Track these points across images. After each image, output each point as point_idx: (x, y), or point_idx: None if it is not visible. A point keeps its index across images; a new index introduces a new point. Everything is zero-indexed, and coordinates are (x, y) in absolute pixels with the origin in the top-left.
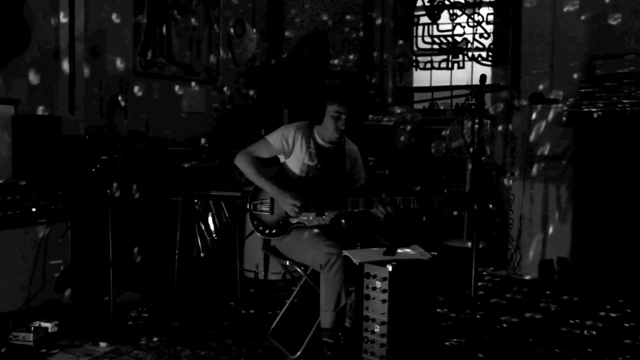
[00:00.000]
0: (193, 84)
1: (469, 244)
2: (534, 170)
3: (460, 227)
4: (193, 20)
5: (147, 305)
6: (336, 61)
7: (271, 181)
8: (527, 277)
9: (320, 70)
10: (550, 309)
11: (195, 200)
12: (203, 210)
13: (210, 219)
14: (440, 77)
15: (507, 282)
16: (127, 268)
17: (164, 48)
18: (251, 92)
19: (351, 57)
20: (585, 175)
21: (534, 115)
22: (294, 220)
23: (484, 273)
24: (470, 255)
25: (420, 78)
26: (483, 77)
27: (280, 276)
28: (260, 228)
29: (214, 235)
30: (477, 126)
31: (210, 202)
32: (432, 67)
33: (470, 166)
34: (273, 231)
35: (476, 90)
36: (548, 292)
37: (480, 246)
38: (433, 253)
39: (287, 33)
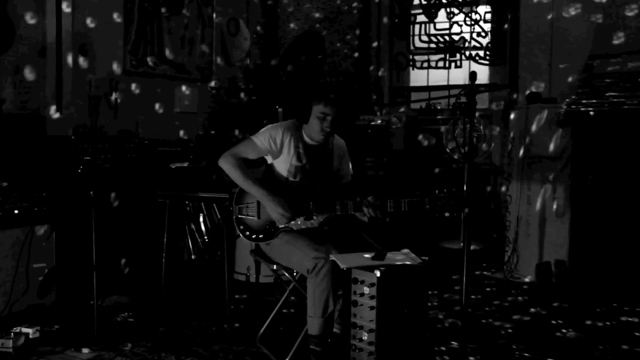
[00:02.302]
0: (185, 83)
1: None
2: (531, 171)
3: (457, 228)
4: (185, 18)
5: (134, 310)
6: (331, 60)
7: (259, 185)
8: (524, 280)
9: (315, 70)
10: (546, 313)
11: (187, 202)
12: (194, 211)
13: (201, 221)
14: (438, 77)
15: (503, 285)
16: (115, 271)
17: (155, 47)
18: (245, 92)
19: (347, 56)
20: (583, 175)
21: (531, 115)
22: (281, 225)
23: (480, 273)
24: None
25: (417, 78)
26: (473, 75)
27: (272, 279)
28: (247, 233)
29: (205, 237)
30: (468, 126)
31: (202, 203)
32: (429, 67)
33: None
34: (260, 236)
35: (466, 89)
36: (545, 296)
37: (473, 248)
38: (424, 258)
39: (281, 32)
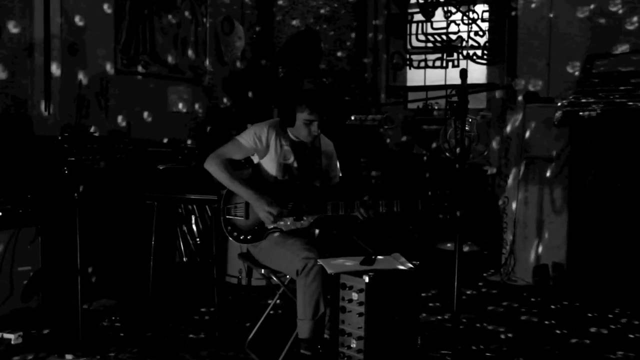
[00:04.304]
0: (178, 83)
1: (464, 248)
2: (529, 171)
3: (454, 230)
4: (178, 17)
5: (122, 314)
6: (327, 60)
7: (246, 185)
8: (521, 283)
9: (310, 69)
10: (543, 317)
11: (176, 203)
12: (186, 213)
13: (193, 222)
14: (435, 76)
15: (500, 288)
16: (104, 274)
17: (147, 46)
18: (240, 92)
19: (343, 55)
20: (581, 176)
21: (528, 115)
22: (270, 225)
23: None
24: (463, 259)
25: (414, 77)
26: (464, 73)
27: (264, 282)
28: (235, 234)
29: (197, 239)
30: (459, 126)
31: (194, 205)
32: (427, 66)
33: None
34: (248, 237)
35: (458, 89)
36: (542, 299)
37: (470, 250)
38: (414, 262)
39: (277, 31)
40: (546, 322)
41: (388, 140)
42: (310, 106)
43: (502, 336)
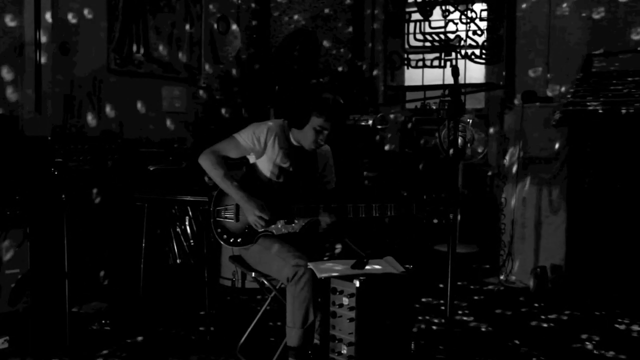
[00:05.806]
0: (173, 83)
1: (462, 249)
2: (527, 172)
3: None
4: (173, 16)
5: (112, 317)
6: (324, 59)
7: (237, 186)
8: (519, 285)
9: (308, 69)
10: (542, 321)
11: (167, 205)
12: (180, 214)
13: (187, 224)
14: (433, 76)
15: (498, 290)
16: (96, 276)
17: (141, 44)
18: (235, 91)
19: (341, 55)
20: (580, 177)
21: (527, 115)
22: (259, 229)
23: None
24: (461, 260)
25: (413, 77)
26: (456, 70)
27: (258, 284)
28: (225, 237)
29: (191, 241)
30: (452, 127)
31: (188, 207)
32: (424, 65)
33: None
34: (238, 240)
35: (451, 88)
36: (540, 302)
37: (468, 251)
38: (407, 266)
39: (273, 30)
40: (544, 325)
41: (378, 138)
42: (329, 115)
43: (500, 338)
